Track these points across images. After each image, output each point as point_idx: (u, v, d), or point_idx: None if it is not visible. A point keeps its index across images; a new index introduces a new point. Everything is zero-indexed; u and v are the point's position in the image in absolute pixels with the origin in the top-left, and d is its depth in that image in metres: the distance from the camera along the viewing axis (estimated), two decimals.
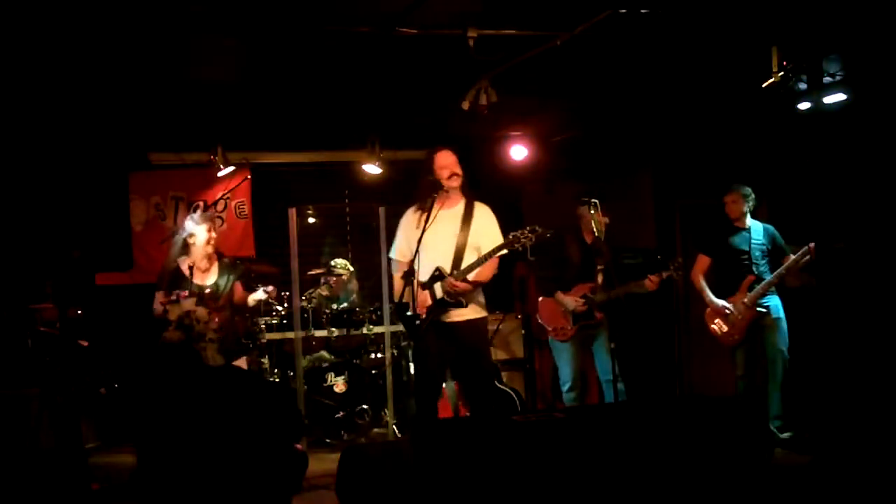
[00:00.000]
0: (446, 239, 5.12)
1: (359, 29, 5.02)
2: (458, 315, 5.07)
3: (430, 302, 5.04)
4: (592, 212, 5.86)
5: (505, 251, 4.96)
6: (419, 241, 5.01)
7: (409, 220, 5.27)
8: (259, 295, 5.98)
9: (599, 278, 6.01)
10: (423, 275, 5.07)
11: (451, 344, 5.10)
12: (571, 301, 6.04)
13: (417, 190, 5.28)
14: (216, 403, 1.42)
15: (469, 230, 5.12)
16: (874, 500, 4.35)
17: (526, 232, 4.83)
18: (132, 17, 4.65)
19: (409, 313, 5.04)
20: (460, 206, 5.20)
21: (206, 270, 5.83)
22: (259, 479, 1.40)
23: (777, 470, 4.99)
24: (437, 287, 5.04)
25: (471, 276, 5.00)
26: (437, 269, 5.04)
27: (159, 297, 5.81)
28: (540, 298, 6.27)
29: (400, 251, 5.32)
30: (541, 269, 6.25)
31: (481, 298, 5.21)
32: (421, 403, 5.19)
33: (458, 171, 5.18)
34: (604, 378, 6.04)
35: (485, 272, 5.06)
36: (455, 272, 5.01)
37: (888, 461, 4.84)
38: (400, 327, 7.10)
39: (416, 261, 5.05)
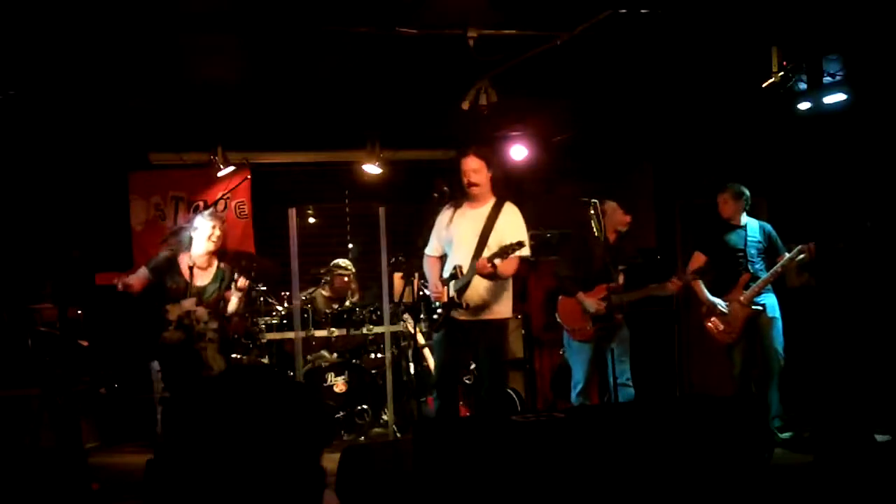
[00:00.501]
0: (469, 238, 5.21)
1: (359, 29, 5.01)
2: (473, 314, 5.15)
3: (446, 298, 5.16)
4: (592, 212, 5.86)
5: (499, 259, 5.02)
6: (438, 237, 5.28)
7: (441, 218, 5.41)
8: (233, 303, 5.92)
9: (621, 279, 5.94)
10: (447, 272, 5.21)
11: (462, 341, 5.20)
12: (593, 303, 5.93)
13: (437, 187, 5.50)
14: (243, 405, 1.36)
15: (492, 230, 5.19)
16: (874, 500, 4.35)
17: (514, 244, 4.93)
18: (132, 17, 4.65)
19: (432, 305, 5.25)
20: (487, 206, 5.27)
21: (205, 269, 5.83)
22: (283, 489, 1.34)
23: (777, 470, 5.00)
24: (452, 285, 5.12)
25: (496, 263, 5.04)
26: (456, 267, 5.10)
27: (141, 272, 5.79)
28: (560, 297, 6.23)
29: (433, 247, 5.48)
30: (562, 269, 6.22)
31: (500, 302, 5.26)
32: (439, 397, 5.29)
33: (478, 179, 5.23)
34: (612, 380, 6.03)
35: (503, 268, 5.07)
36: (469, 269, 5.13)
37: (888, 461, 4.84)
38: (400, 327, 7.11)
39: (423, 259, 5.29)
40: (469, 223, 5.25)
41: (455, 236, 5.27)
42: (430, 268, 5.46)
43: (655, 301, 6.54)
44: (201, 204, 7.87)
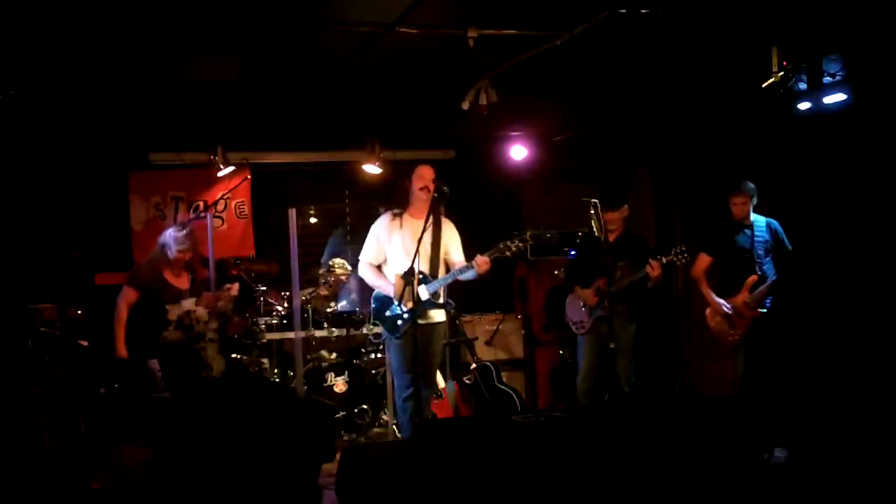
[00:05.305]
0: (425, 247, 5.44)
1: (359, 29, 5.01)
2: (428, 319, 5.51)
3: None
4: (592, 212, 5.89)
5: None
6: (381, 246, 5.72)
7: (384, 229, 5.72)
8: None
9: (618, 274, 6.02)
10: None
11: (416, 344, 5.38)
12: (585, 296, 6.26)
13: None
14: (246, 416, 1.35)
15: (441, 239, 5.59)
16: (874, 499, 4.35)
17: (511, 242, 5.37)
18: (132, 17, 4.65)
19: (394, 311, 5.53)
20: (429, 219, 5.51)
21: (179, 277, 6.05)
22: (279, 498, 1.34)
23: (777, 470, 5.00)
24: (424, 289, 5.42)
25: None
26: (420, 272, 5.39)
27: (130, 295, 5.80)
28: (568, 296, 6.52)
29: (373, 256, 5.76)
30: (563, 268, 6.65)
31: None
32: (413, 397, 5.48)
33: (432, 188, 5.54)
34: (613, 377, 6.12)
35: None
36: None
37: (885, 460, 4.84)
38: None
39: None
40: (416, 233, 5.33)
41: (405, 245, 5.51)
42: (374, 275, 5.66)
43: (655, 300, 6.57)
44: (201, 204, 7.88)
